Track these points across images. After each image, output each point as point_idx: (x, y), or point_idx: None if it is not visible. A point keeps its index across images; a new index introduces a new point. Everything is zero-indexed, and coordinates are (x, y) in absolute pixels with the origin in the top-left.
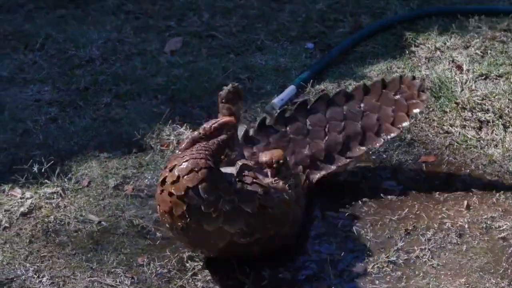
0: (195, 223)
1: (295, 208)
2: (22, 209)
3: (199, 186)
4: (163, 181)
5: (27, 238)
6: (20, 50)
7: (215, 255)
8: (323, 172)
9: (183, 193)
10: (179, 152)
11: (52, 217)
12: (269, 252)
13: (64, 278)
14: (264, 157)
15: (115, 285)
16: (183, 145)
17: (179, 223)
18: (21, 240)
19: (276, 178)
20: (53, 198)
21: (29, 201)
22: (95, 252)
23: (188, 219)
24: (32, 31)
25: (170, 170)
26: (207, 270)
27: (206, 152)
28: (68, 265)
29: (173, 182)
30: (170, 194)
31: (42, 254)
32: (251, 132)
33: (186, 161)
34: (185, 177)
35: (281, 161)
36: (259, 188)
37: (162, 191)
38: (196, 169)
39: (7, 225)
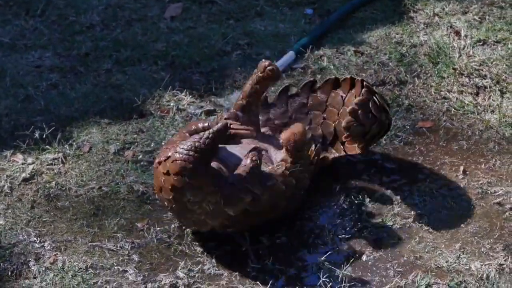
0: (180, 209)
1: (292, 194)
2: (23, 174)
3: (184, 187)
4: (159, 162)
5: (29, 203)
6: (21, 16)
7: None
8: (334, 154)
9: (170, 187)
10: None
11: (53, 182)
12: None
13: (66, 242)
14: (284, 136)
15: (115, 249)
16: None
17: (167, 204)
18: (23, 205)
19: (279, 164)
20: (55, 164)
21: (30, 166)
22: (95, 217)
23: (174, 206)
24: None
25: (165, 160)
26: (207, 235)
27: (195, 149)
28: (70, 230)
29: (164, 174)
30: (162, 175)
31: (44, 219)
32: (270, 98)
33: (173, 161)
34: (174, 177)
35: (299, 145)
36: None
37: (156, 168)
38: (182, 172)
39: (8, 190)
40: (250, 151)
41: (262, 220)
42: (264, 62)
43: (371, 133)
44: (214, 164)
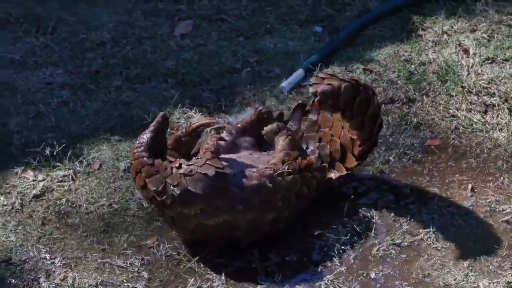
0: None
1: (283, 196)
2: (34, 191)
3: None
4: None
5: (40, 220)
6: (32, 34)
7: (191, 237)
8: (341, 173)
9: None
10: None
11: (64, 199)
12: (259, 237)
13: (76, 259)
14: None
15: (125, 266)
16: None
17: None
18: (33, 222)
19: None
20: (65, 181)
21: (41, 183)
22: (105, 234)
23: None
24: (44, 14)
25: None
26: (217, 252)
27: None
28: (80, 246)
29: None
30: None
31: (55, 236)
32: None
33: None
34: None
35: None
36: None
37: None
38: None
39: (19, 207)
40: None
41: (259, 222)
42: (259, 108)
43: (344, 97)
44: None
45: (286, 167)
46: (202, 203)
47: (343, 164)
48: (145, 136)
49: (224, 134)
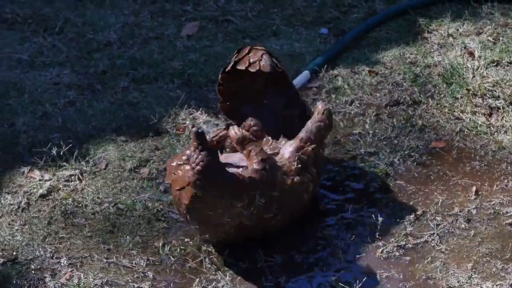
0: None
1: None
2: (40, 191)
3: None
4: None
5: (46, 219)
6: (39, 34)
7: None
8: None
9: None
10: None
11: (70, 199)
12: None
13: (82, 259)
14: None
15: (131, 266)
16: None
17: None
18: (39, 221)
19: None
20: (71, 181)
21: (47, 183)
22: (111, 234)
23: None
24: (51, 14)
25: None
26: (222, 253)
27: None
28: (86, 246)
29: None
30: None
31: (60, 236)
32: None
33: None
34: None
35: (331, 114)
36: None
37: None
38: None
39: (26, 206)
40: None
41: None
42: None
43: None
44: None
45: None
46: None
47: None
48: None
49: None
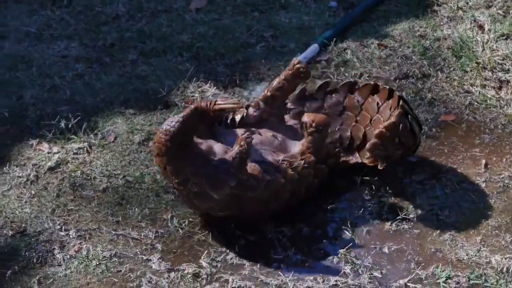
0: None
1: (293, 188)
2: (49, 163)
3: (167, 168)
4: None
5: (54, 192)
6: (47, 7)
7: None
8: (356, 159)
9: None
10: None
11: (78, 172)
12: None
13: (90, 231)
14: (306, 117)
15: (139, 238)
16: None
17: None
18: (48, 194)
19: (284, 160)
20: (80, 153)
21: (56, 156)
22: (120, 206)
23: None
24: None
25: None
26: (230, 225)
27: (166, 132)
28: (94, 218)
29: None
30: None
31: (69, 208)
32: (308, 90)
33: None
34: (156, 158)
35: (320, 127)
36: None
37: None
38: (160, 153)
39: (34, 179)
40: (242, 135)
41: (263, 209)
42: (295, 60)
43: (394, 157)
44: (220, 147)
45: (303, 162)
46: (214, 202)
47: (359, 152)
48: (175, 124)
49: (251, 109)
